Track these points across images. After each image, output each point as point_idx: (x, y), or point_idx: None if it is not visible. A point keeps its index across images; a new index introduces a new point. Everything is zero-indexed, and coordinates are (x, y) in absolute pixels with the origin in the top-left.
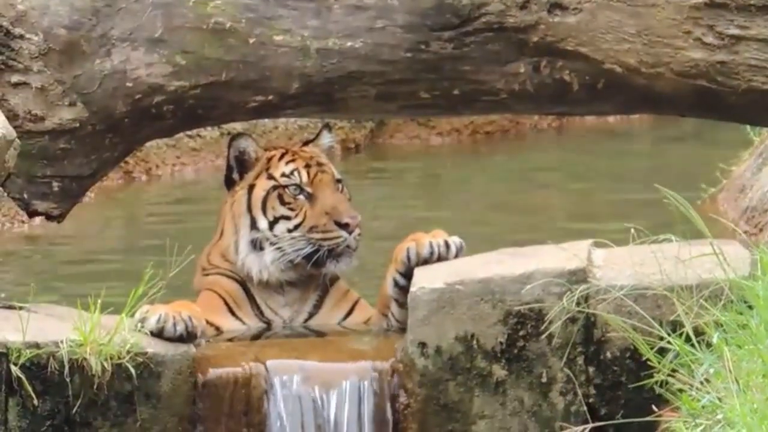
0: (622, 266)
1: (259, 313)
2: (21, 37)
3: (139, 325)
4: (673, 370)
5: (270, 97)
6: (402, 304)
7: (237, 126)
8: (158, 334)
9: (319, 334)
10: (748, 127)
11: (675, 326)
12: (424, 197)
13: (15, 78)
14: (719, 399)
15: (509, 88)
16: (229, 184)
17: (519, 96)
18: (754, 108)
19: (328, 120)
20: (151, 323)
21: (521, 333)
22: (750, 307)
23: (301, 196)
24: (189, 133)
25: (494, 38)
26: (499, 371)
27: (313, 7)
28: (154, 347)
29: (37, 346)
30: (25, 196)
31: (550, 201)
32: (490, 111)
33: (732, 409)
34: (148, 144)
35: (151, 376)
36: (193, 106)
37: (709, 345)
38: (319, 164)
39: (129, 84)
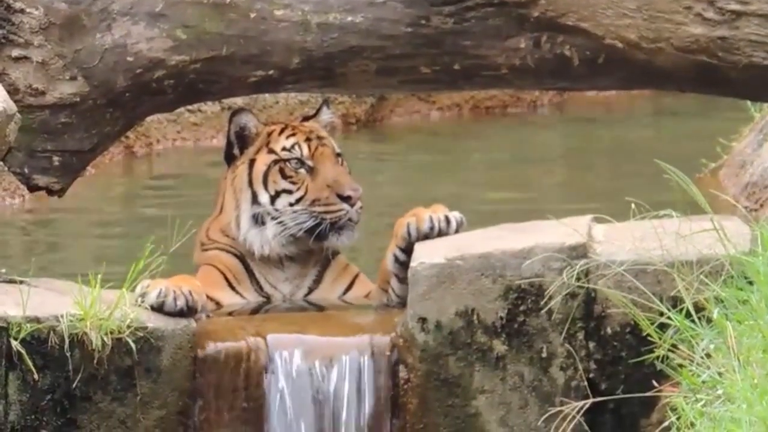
0: (623, 241)
1: (259, 288)
2: (22, 11)
3: (140, 299)
4: (674, 346)
5: (270, 72)
6: (402, 279)
7: (237, 101)
8: (158, 308)
9: (319, 308)
10: (748, 102)
11: (675, 302)
12: (424, 172)
13: (16, 52)
14: (719, 374)
15: (510, 63)
16: (230, 159)
17: (519, 71)
18: (755, 83)
19: (328, 95)
20: (152, 298)
21: (521, 308)
22: (750, 283)
23: (303, 170)
24: (189, 107)
25: (495, 13)
26: (499, 346)
27: None
28: (155, 322)
29: (37, 320)
30: (26, 170)
31: (551, 176)
32: (491, 86)
33: (732, 384)
34: (148, 119)
35: (151, 350)
36: (193, 81)
37: (709, 320)
38: (320, 138)
39: (130, 58)
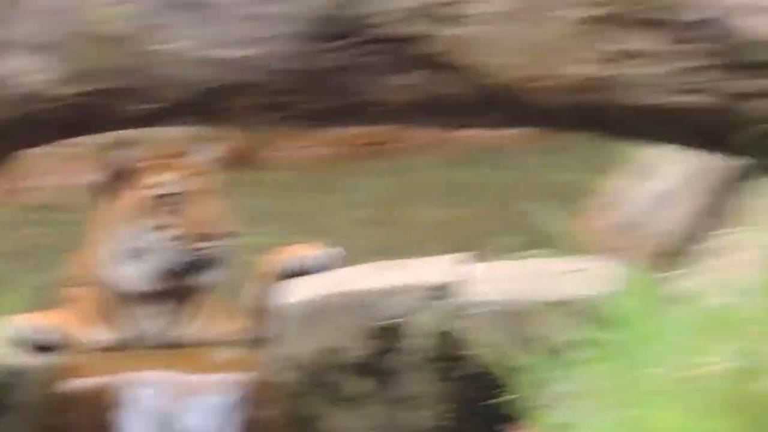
0: (491, 281)
1: (128, 324)
2: None
3: (9, 334)
4: (534, 387)
5: (153, 107)
6: (270, 317)
7: (117, 134)
8: (20, 344)
9: (188, 344)
10: (626, 142)
11: (539, 342)
12: (303, 208)
13: None
14: (579, 416)
15: (395, 100)
16: (104, 193)
17: (405, 108)
18: (639, 123)
19: (209, 130)
20: (13, 333)
21: (385, 347)
22: (617, 324)
23: (177, 206)
24: (67, 142)
25: (381, 50)
26: (362, 385)
27: (200, 16)
28: (16, 358)
29: None
30: None
31: (429, 214)
32: (376, 122)
33: (590, 425)
34: (30, 150)
35: (10, 386)
36: (76, 114)
37: (572, 361)
38: (196, 174)
39: (14, 90)
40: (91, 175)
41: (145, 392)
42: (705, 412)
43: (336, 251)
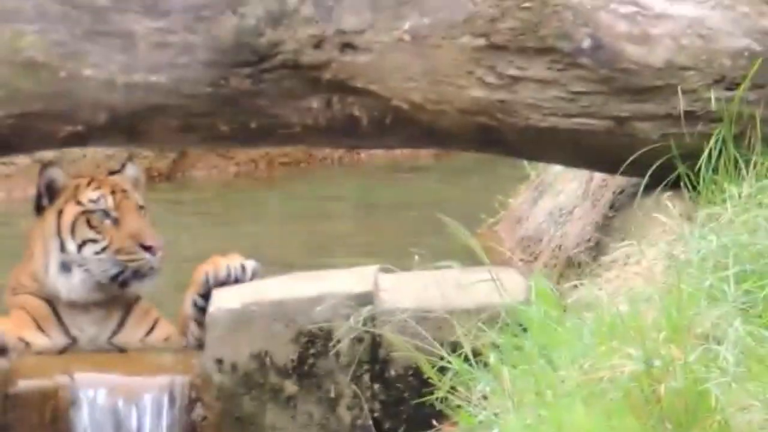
0: (406, 290)
1: (66, 330)
2: None
3: None
4: (453, 388)
5: (79, 128)
6: (200, 323)
7: (48, 154)
8: None
9: (123, 350)
10: (525, 162)
11: (455, 347)
12: (222, 223)
13: None
14: (495, 415)
15: (303, 122)
16: (39, 209)
17: (312, 129)
18: (532, 144)
19: (132, 150)
20: None
21: (311, 351)
22: (525, 330)
23: (107, 221)
24: (2, 160)
25: (289, 75)
26: (290, 387)
27: (120, 43)
28: None
29: None
30: None
31: (341, 229)
32: (286, 143)
33: (507, 424)
34: None
35: None
36: (5, 135)
37: (486, 365)
38: (124, 191)
39: None
40: (26, 192)
41: (93, 392)
42: (611, 411)
43: (253, 263)
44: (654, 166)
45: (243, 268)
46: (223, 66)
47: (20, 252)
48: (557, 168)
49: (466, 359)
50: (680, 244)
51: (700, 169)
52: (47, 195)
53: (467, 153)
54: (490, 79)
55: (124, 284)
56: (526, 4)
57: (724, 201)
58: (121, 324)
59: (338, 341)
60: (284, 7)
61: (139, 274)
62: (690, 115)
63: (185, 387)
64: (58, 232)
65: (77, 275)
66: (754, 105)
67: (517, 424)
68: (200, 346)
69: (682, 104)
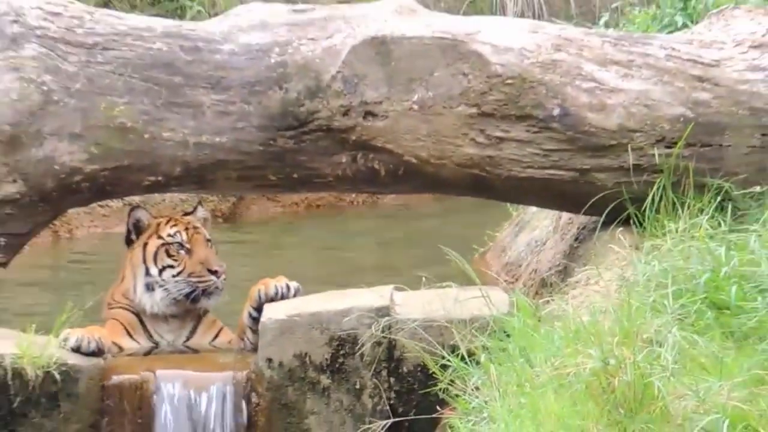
0: (415, 305)
1: (150, 336)
2: None
3: (63, 343)
4: (452, 381)
5: (159, 178)
6: (255, 331)
7: (135, 198)
8: (76, 350)
9: (194, 351)
10: (508, 204)
11: (454, 349)
12: (270, 253)
13: None
14: (485, 402)
15: (334, 173)
16: (129, 242)
17: (341, 179)
18: (513, 190)
19: (201, 195)
20: (72, 342)
21: (341, 352)
22: (508, 336)
23: (182, 251)
24: (100, 203)
25: (324, 136)
26: (325, 380)
27: (191, 112)
28: (74, 360)
29: None
30: None
31: (363, 257)
32: (321, 190)
33: (494, 409)
34: (70, 210)
35: (70, 380)
36: (102, 184)
37: (478, 363)
38: (195, 228)
39: (56, 167)
40: (119, 228)
41: (171, 384)
42: (576, 399)
43: (296, 283)
44: (609, 208)
45: (287, 287)
46: (271, 129)
47: (114, 275)
48: (533, 209)
49: (463, 359)
50: (630, 268)
51: (645, 209)
52: (135, 231)
53: (463, 197)
54: (481, 139)
55: (195, 300)
56: (509, 81)
57: (664, 234)
58: (192, 331)
59: (362, 344)
60: (319, 83)
61: (206, 293)
62: (637, 168)
63: (243, 380)
64: (144, 260)
65: (158, 293)
66: (687, 159)
67: (502, 409)
68: (254, 348)
69: (631, 159)
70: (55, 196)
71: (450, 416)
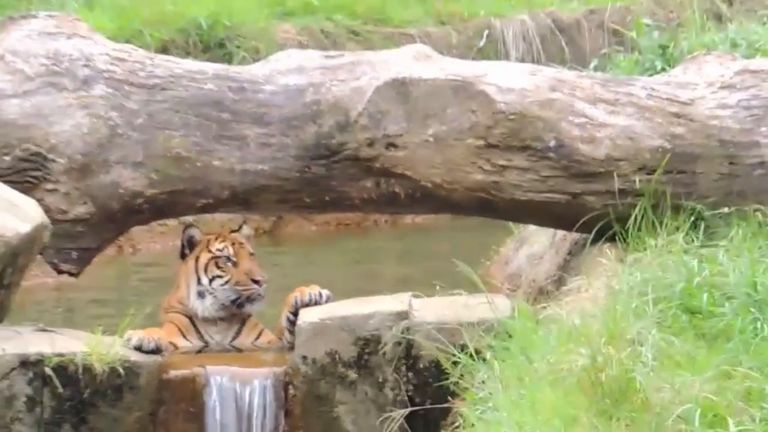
0: (430, 309)
1: (201, 337)
2: (53, 160)
3: (126, 342)
4: (461, 376)
5: (210, 201)
6: (291, 332)
7: (188, 218)
8: (138, 348)
9: (239, 350)
10: (511, 223)
11: (463, 348)
12: (306, 264)
13: (49, 186)
14: (490, 394)
15: (361, 196)
16: (183, 256)
17: (366, 201)
18: (515, 211)
19: (245, 215)
20: (134, 342)
21: (366, 351)
22: (510, 336)
23: (229, 263)
24: (158, 222)
25: (351, 165)
26: (352, 374)
27: (237, 143)
28: (135, 357)
29: (61, 355)
30: (55, 260)
31: (385, 268)
32: (348, 210)
33: (498, 400)
34: (132, 228)
35: (133, 374)
36: (161, 206)
37: (484, 360)
38: (240, 243)
39: (121, 191)
40: (175, 244)
41: (219, 378)
42: (568, 391)
43: (327, 291)
44: (597, 226)
45: (320, 294)
46: (306, 159)
47: (170, 284)
48: (532, 227)
49: (471, 356)
50: (615, 278)
51: (629, 228)
52: (188, 246)
53: (471, 217)
54: (487, 167)
55: (240, 306)
56: (511, 117)
57: (645, 249)
58: (238, 333)
59: (384, 344)
60: (348, 119)
61: (250, 299)
62: (622, 192)
63: (281, 375)
64: (196, 271)
65: (209, 300)
66: (665, 185)
67: (505, 400)
68: (291, 347)
69: (616, 184)
70: (120, 217)
71: (460, 406)
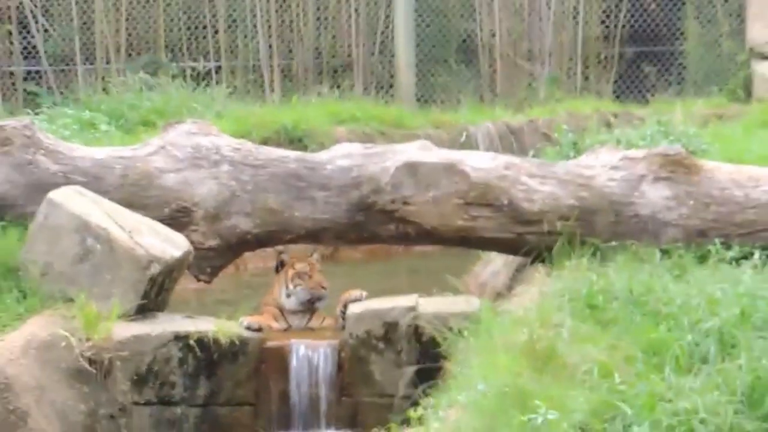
0: (430, 305)
1: (287, 321)
2: (195, 211)
3: (240, 324)
4: (449, 346)
5: (293, 236)
6: (343, 318)
7: (280, 247)
8: (248, 328)
9: (310, 330)
10: (480, 251)
11: (450, 329)
12: (352, 278)
13: (192, 227)
14: (466, 357)
15: (386, 235)
16: (277, 271)
17: (390, 238)
18: (483, 244)
19: (315, 246)
20: (245, 323)
21: (389, 330)
22: (479, 322)
23: (306, 276)
24: (261, 249)
25: (381, 215)
26: (380, 345)
27: (309, 202)
28: (246, 333)
29: (200, 332)
30: (196, 272)
31: (400, 280)
32: (379, 243)
33: (471, 361)
34: (244, 254)
35: (245, 344)
36: (262, 240)
37: (463, 336)
38: (313, 263)
39: (237, 230)
40: (271, 263)
41: (298, 348)
42: (515, 357)
43: (365, 293)
44: (534, 254)
45: (361, 295)
46: (353, 211)
47: (268, 289)
48: (494, 254)
49: (455, 334)
50: (545, 286)
51: (554, 254)
52: (280, 265)
53: (456, 248)
54: (466, 217)
55: (312, 303)
56: (480, 186)
57: (563, 268)
58: (309, 319)
59: (401, 326)
60: (378, 187)
61: (318, 299)
62: (549, 232)
63: (336, 345)
64: (285, 281)
65: (292, 299)
66: (576, 228)
67: (475, 362)
68: (342, 328)
69: (545, 227)
70: (236, 247)
71: (448, 365)
